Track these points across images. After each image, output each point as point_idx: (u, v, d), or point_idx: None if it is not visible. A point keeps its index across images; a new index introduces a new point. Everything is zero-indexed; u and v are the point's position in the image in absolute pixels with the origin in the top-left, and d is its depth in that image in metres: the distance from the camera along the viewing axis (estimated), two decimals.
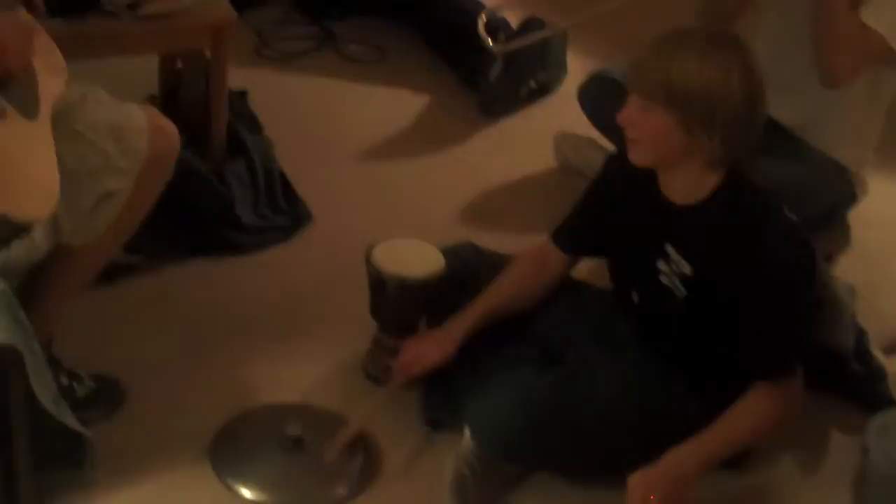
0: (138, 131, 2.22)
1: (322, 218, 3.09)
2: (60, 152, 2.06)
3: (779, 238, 2.21)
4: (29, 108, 2.06)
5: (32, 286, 2.26)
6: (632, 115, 2.18)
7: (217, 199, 2.93)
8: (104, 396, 2.42)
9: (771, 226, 2.22)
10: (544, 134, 3.52)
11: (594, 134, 3.35)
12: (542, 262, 2.54)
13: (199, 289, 2.81)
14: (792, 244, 2.23)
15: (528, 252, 2.58)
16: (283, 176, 3.13)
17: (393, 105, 3.70)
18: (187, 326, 2.69)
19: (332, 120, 3.58)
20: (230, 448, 2.35)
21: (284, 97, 3.60)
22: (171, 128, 2.30)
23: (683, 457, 2.19)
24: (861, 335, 2.77)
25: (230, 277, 2.87)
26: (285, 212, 3.07)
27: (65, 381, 2.35)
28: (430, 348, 2.43)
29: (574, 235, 2.53)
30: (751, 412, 2.23)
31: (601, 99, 3.21)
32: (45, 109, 2.09)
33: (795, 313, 2.23)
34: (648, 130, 2.17)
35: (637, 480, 2.14)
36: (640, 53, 2.17)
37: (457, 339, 2.43)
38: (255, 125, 3.25)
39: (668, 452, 2.19)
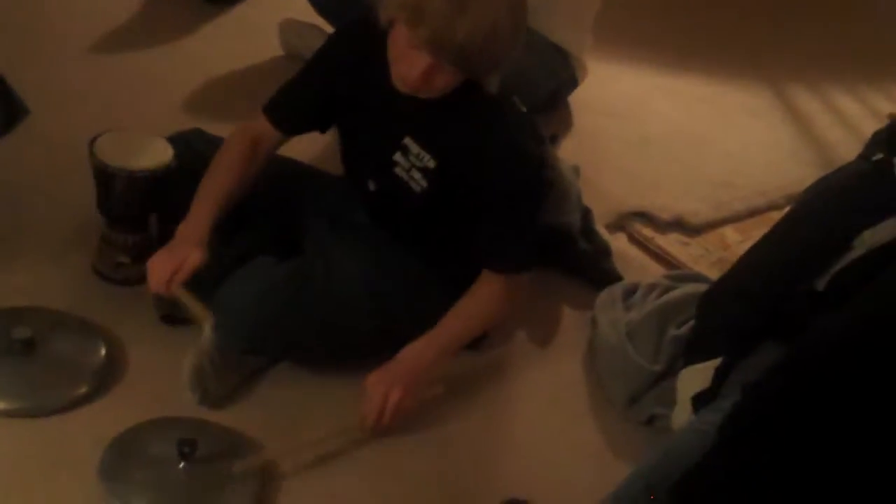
0: None
1: (40, 114, 2.89)
2: None
3: (517, 133, 2.25)
4: None
5: None
6: (429, 72, 2.08)
7: None
8: None
9: (511, 122, 2.25)
10: (270, 22, 3.46)
11: (318, 21, 3.31)
12: (256, 141, 2.41)
13: None
14: (529, 140, 2.27)
15: (238, 131, 2.44)
16: None
17: None
18: None
19: (47, 11, 3.40)
20: None
21: None
22: None
23: (419, 351, 2.23)
24: (586, 213, 2.88)
25: None
26: None
27: None
28: (177, 258, 2.24)
29: (291, 111, 2.42)
30: (481, 302, 2.28)
31: None
32: None
33: (531, 205, 2.28)
34: (441, 84, 2.11)
35: (374, 380, 2.17)
36: (436, 13, 2.02)
37: (200, 243, 2.26)
38: None
39: (403, 349, 2.22)
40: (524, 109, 2.27)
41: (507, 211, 2.24)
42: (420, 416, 2.32)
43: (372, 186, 2.37)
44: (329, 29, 3.26)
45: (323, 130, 2.47)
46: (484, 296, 2.28)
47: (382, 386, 2.16)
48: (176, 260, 2.22)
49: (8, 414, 2.16)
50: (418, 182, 2.26)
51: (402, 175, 2.27)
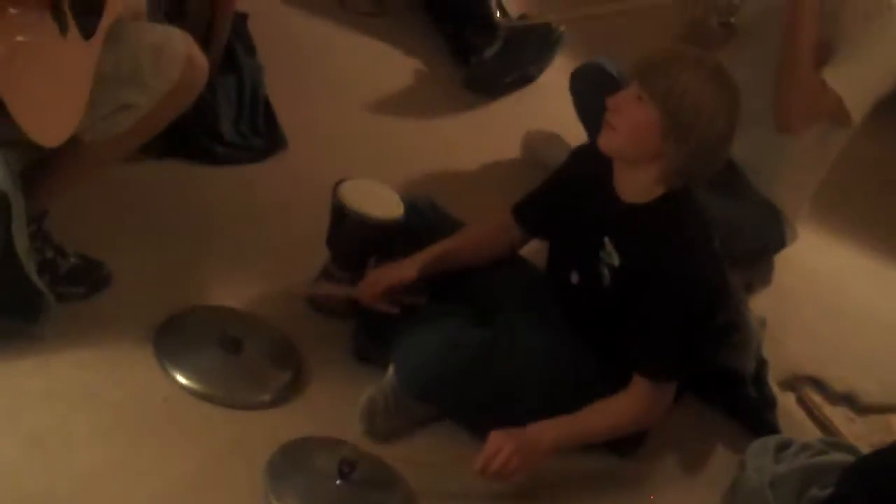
0: (175, 56, 2.33)
1: (296, 148, 3.26)
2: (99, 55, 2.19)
3: (701, 259, 2.43)
4: (88, 26, 2.17)
5: (39, 164, 2.38)
6: (624, 100, 2.36)
7: (202, 109, 3.04)
8: (87, 276, 2.55)
9: (698, 246, 2.44)
10: (515, 123, 3.71)
11: (563, 132, 3.53)
12: (501, 230, 2.73)
13: (171, 187, 2.97)
14: (710, 269, 2.44)
15: (489, 218, 2.78)
16: (267, 102, 3.28)
17: (383, 61, 3.89)
18: (155, 218, 2.85)
19: (323, 61, 3.75)
20: (174, 337, 2.51)
21: (282, 29, 3.75)
22: (204, 63, 2.41)
23: (544, 429, 2.40)
24: (762, 364, 3.00)
25: (201, 184, 3.03)
26: (264, 135, 3.23)
27: (50, 254, 2.49)
28: (392, 270, 2.61)
29: (532, 214, 2.71)
30: (617, 406, 2.45)
31: (591, 86, 3.34)
32: (102, 28, 2.21)
33: (691, 328, 2.43)
34: (631, 119, 2.35)
35: (496, 433, 2.36)
36: (657, 52, 2.37)
37: (416, 266, 2.60)
38: (250, 48, 3.37)
39: (535, 423, 2.40)
40: (719, 249, 2.44)
41: (666, 320, 2.40)
42: (558, 502, 2.52)
43: (574, 279, 2.57)
44: (571, 141, 3.50)
45: (552, 238, 2.72)
46: (625, 398, 2.44)
47: (500, 440, 2.34)
48: (383, 272, 2.58)
49: (205, 397, 2.43)
50: (606, 278, 2.47)
51: (600, 270, 2.48)
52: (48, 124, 2.08)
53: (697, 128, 2.32)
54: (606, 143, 2.42)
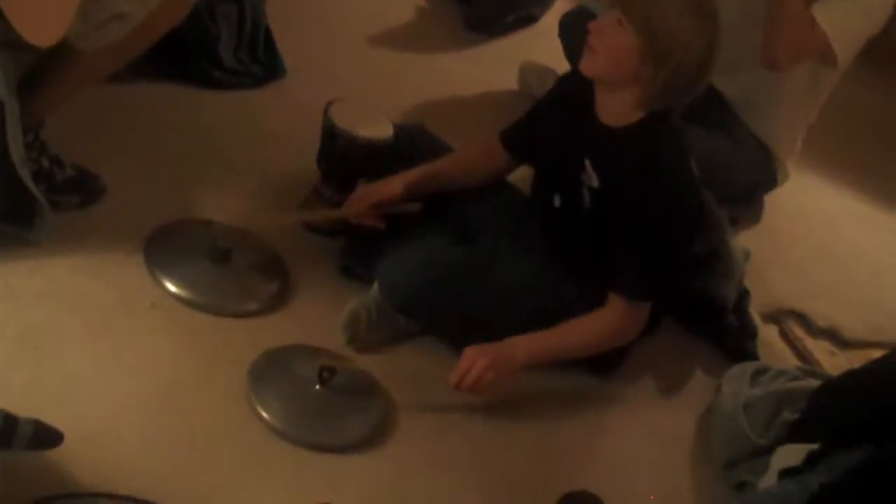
0: None
1: (294, 76, 3.33)
2: None
3: (676, 182, 2.47)
4: None
5: (36, 73, 2.43)
6: (603, 25, 2.41)
7: (203, 34, 3.13)
8: (82, 186, 2.62)
9: (674, 170, 2.48)
10: (514, 60, 3.77)
11: (557, 66, 3.59)
12: (488, 155, 2.78)
13: (169, 108, 3.04)
14: (686, 193, 2.49)
15: (477, 142, 2.83)
16: (268, 31, 3.34)
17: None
18: (152, 137, 2.92)
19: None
20: (164, 246, 2.59)
21: None
22: None
23: (519, 343, 2.47)
24: (744, 295, 3.06)
25: (199, 106, 3.10)
26: (263, 63, 3.30)
27: (46, 163, 2.56)
28: (379, 185, 2.67)
29: (518, 139, 2.76)
30: (591, 323, 2.52)
31: (578, 29, 3.40)
32: None
33: (667, 249, 2.49)
34: (610, 43, 2.39)
35: (471, 348, 2.43)
36: None
37: (402, 183, 2.65)
38: None
39: (510, 337, 2.47)
40: (696, 172, 2.49)
41: (641, 241, 2.45)
42: (536, 416, 2.59)
43: (557, 202, 2.63)
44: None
45: (538, 162, 2.77)
46: (600, 316, 2.51)
47: (474, 354, 2.41)
48: (371, 187, 2.63)
49: (192, 304, 2.51)
50: (586, 200, 2.52)
51: (581, 193, 2.53)
52: (39, 23, 2.14)
53: (674, 53, 2.35)
54: (587, 65, 2.46)
